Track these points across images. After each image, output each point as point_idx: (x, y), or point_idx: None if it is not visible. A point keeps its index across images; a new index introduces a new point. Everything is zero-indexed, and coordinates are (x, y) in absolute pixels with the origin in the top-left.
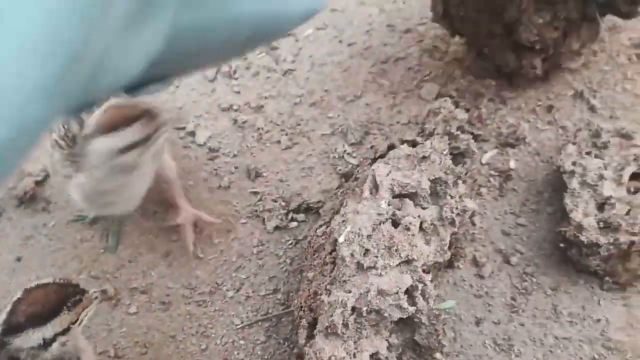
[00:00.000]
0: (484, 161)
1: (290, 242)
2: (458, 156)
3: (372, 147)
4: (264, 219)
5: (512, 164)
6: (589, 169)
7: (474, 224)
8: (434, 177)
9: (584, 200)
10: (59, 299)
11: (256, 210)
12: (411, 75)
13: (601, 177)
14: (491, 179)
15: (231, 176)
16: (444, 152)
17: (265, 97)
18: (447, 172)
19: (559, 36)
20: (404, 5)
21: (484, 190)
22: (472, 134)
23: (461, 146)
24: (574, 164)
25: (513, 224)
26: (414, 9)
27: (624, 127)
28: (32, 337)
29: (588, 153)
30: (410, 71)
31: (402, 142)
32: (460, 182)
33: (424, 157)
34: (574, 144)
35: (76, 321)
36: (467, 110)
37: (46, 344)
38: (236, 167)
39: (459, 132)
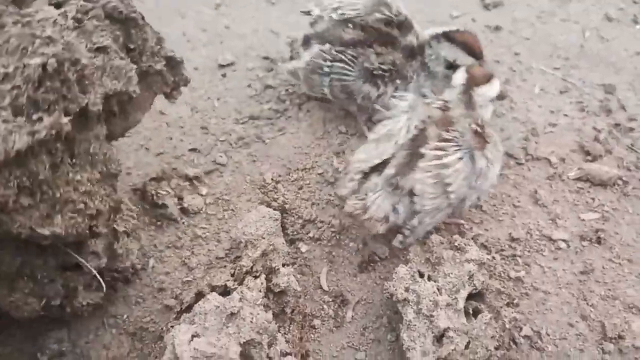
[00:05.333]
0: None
1: None
2: (280, 294)
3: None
4: None
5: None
6: (422, 296)
7: None
8: (245, 341)
9: (421, 335)
10: None
11: None
12: None
13: (436, 305)
14: (325, 305)
15: None
16: (258, 303)
17: None
18: (260, 331)
19: None
20: None
21: (317, 322)
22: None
23: (281, 283)
24: (406, 289)
25: None
26: None
27: (456, 238)
28: None
29: (421, 275)
30: None
31: (212, 288)
32: (279, 337)
33: (232, 314)
34: (406, 262)
35: None
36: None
37: None
38: None
39: (279, 266)
